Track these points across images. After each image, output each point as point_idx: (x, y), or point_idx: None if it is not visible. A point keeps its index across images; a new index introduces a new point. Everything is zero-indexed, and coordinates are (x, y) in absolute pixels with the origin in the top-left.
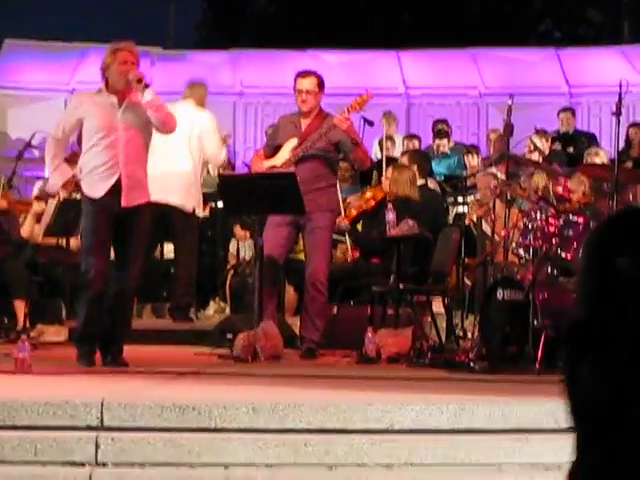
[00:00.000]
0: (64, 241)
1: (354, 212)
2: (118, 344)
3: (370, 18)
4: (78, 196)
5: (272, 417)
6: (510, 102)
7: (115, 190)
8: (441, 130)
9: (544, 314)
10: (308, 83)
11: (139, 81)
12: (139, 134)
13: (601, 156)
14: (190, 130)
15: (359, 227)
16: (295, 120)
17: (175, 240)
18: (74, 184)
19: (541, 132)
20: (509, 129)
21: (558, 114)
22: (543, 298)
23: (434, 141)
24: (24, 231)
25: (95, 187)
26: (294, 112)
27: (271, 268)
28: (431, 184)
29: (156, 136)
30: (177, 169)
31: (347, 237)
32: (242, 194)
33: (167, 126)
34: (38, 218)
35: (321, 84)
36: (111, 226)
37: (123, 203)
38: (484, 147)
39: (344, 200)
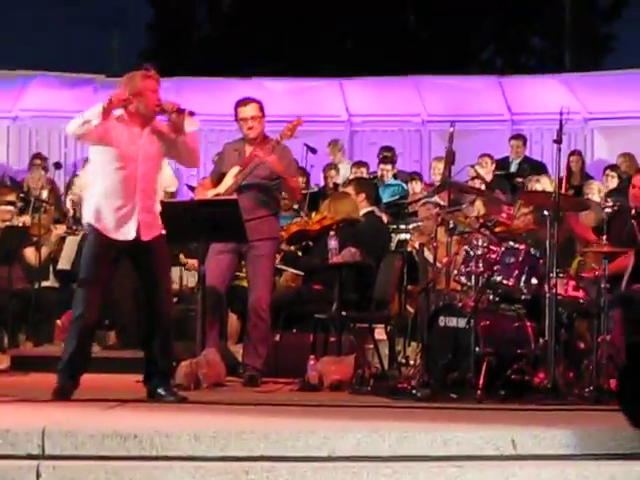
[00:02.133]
0: (6, 269)
1: (294, 228)
2: (169, 374)
3: (314, 46)
4: (21, 222)
5: (214, 445)
6: (452, 129)
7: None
8: (386, 157)
9: (485, 341)
10: (251, 110)
11: (178, 111)
12: (156, 165)
13: (543, 183)
14: None
15: (300, 253)
16: (239, 147)
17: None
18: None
19: (486, 159)
20: (450, 156)
21: (509, 141)
22: (484, 325)
23: (379, 168)
24: None
25: (110, 227)
26: (238, 139)
27: (213, 296)
28: (377, 211)
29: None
30: None
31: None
32: (184, 221)
33: (195, 159)
34: None
35: (262, 109)
36: (116, 260)
37: (143, 237)
38: (427, 174)
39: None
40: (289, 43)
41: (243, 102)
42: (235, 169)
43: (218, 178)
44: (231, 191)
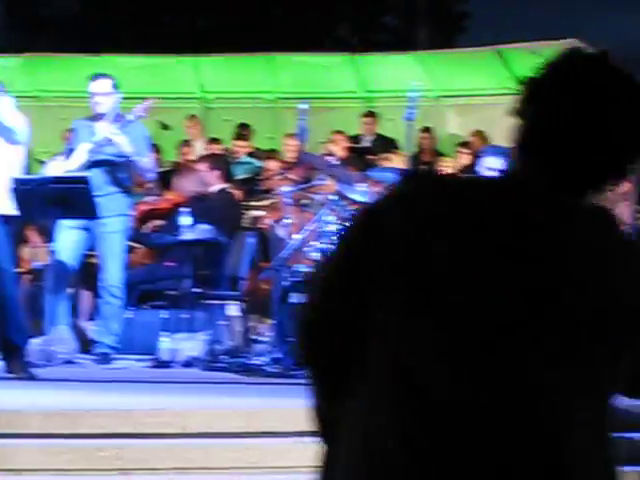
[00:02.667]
0: None
1: (144, 207)
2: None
3: (167, 23)
4: None
5: (65, 423)
6: (305, 106)
7: None
8: (241, 134)
9: None
10: (100, 86)
11: None
12: None
13: (393, 160)
14: None
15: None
16: (90, 124)
17: None
18: None
19: (339, 136)
20: (303, 134)
21: (361, 118)
22: None
23: (233, 145)
24: None
25: None
26: (89, 116)
27: (64, 272)
28: (231, 188)
29: None
30: None
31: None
32: (35, 198)
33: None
34: None
35: (114, 86)
36: None
37: None
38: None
39: (139, 205)
40: (142, 20)
41: (94, 78)
42: (86, 145)
43: (69, 155)
44: (81, 168)
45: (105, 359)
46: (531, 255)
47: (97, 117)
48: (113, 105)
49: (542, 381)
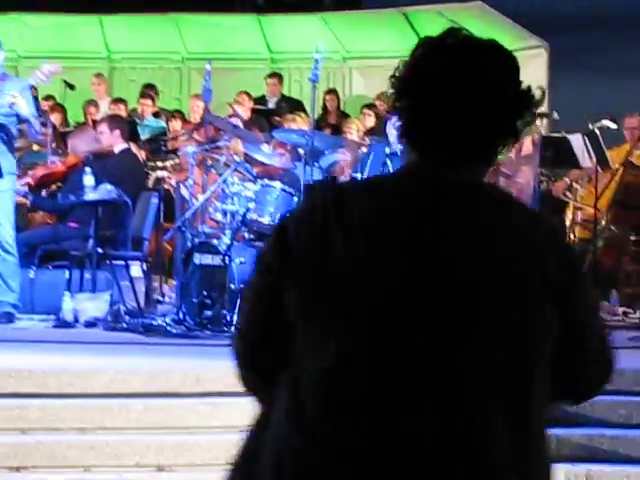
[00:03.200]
0: None
1: (40, 172)
2: None
3: None
4: None
5: None
6: (209, 67)
7: None
8: (146, 94)
9: (240, 278)
10: None
11: None
12: None
13: (298, 122)
14: None
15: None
16: None
17: None
18: None
19: (244, 96)
20: (208, 94)
21: (265, 79)
22: (240, 262)
23: (139, 104)
24: None
25: None
26: None
27: None
28: (134, 148)
29: None
30: None
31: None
32: None
33: None
34: None
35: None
36: None
37: None
38: (187, 112)
39: (35, 165)
40: None
41: None
42: None
43: None
44: None
45: (9, 318)
46: (425, 251)
47: None
48: None
49: (445, 380)
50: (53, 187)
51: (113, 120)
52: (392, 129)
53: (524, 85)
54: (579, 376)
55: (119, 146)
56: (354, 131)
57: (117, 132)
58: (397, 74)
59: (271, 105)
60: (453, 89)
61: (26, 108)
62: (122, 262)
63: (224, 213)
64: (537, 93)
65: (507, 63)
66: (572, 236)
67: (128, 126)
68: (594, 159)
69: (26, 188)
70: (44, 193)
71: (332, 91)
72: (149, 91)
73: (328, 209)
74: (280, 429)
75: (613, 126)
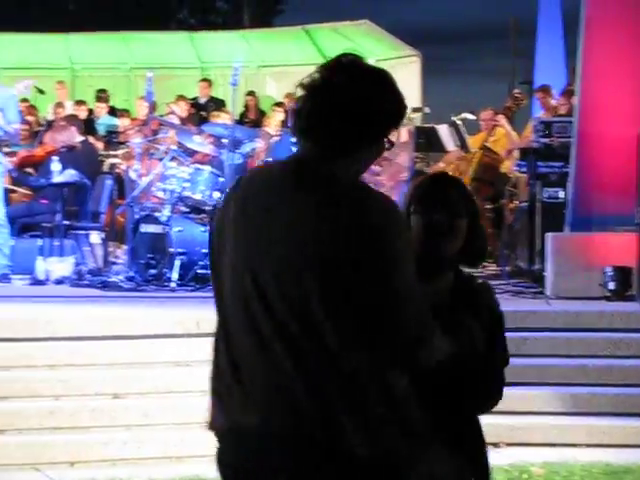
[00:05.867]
0: None
1: (22, 154)
2: None
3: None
4: None
5: None
6: (151, 74)
7: None
8: (101, 97)
9: (177, 243)
10: None
11: None
12: None
13: (222, 117)
14: None
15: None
16: None
17: None
18: None
19: (180, 100)
20: (150, 96)
21: (198, 83)
22: (177, 230)
23: (95, 106)
24: None
25: None
26: None
27: None
28: (92, 140)
29: None
30: None
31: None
32: None
33: None
34: None
35: None
36: None
37: None
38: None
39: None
40: (23, 2)
41: None
42: None
43: None
44: None
45: (4, 277)
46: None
47: None
48: None
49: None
50: (30, 170)
51: (69, 118)
52: None
53: (388, 100)
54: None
55: (77, 139)
56: (272, 124)
57: (73, 128)
58: (306, 81)
59: (202, 105)
60: (321, 98)
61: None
62: (84, 232)
63: (164, 191)
64: (396, 108)
65: (376, 80)
66: None
67: (83, 123)
68: (458, 144)
69: (10, 166)
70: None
71: (251, 93)
72: (102, 94)
73: (231, 195)
74: None
75: (472, 117)
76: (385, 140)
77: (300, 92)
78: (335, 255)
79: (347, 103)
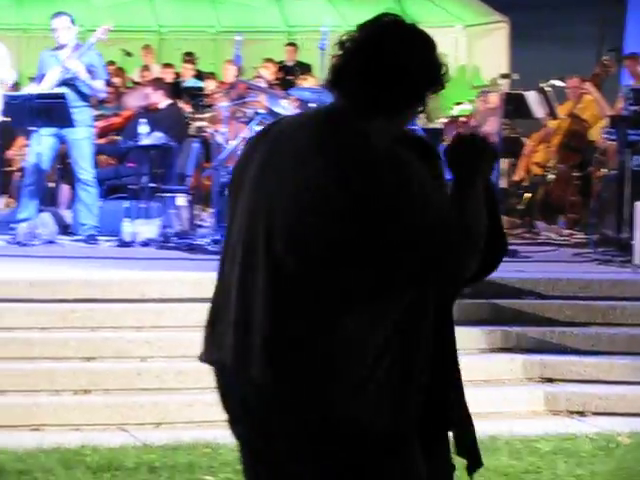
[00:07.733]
0: None
1: (101, 124)
2: None
3: None
4: None
5: (45, 290)
6: (240, 38)
7: None
8: (188, 59)
9: None
10: (60, 22)
11: None
12: None
13: (309, 82)
14: None
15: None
16: (54, 53)
17: None
18: None
19: (268, 63)
20: (239, 60)
21: (285, 47)
22: None
23: (182, 68)
24: None
25: None
26: (53, 47)
27: (38, 170)
28: (179, 103)
29: None
30: None
31: None
32: (24, 110)
33: None
34: None
35: (72, 22)
36: None
37: None
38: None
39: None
40: None
41: (55, 16)
42: (55, 70)
43: (40, 79)
44: (52, 88)
45: (92, 238)
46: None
47: (59, 47)
48: (72, 37)
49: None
50: (112, 136)
51: (156, 82)
52: None
53: (428, 62)
54: None
55: (164, 102)
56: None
57: (160, 91)
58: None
59: (290, 69)
60: (364, 56)
61: (83, 72)
62: (170, 194)
63: None
64: (442, 70)
65: (416, 41)
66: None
67: (171, 86)
68: (546, 111)
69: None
70: (104, 140)
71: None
72: (189, 57)
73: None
74: None
75: (561, 84)
76: (420, 106)
77: (339, 50)
78: (371, 206)
79: (388, 63)
